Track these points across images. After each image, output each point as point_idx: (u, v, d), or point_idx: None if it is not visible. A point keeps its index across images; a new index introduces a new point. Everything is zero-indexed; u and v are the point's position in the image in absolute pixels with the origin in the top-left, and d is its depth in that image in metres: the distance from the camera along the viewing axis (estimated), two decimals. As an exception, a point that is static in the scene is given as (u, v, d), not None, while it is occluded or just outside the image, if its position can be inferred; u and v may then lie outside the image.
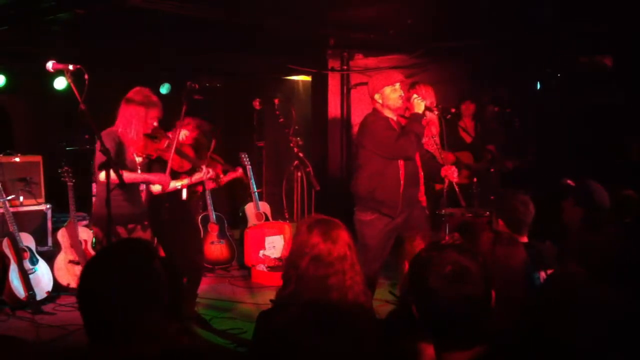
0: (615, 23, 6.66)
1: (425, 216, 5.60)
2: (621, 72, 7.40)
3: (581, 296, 2.11)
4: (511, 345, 2.12)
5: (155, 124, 5.10)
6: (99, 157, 4.60)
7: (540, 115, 8.14)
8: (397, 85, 5.41)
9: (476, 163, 7.44)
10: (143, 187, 5.55)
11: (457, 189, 5.45)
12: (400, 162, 5.37)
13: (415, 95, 5.47)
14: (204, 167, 5.48)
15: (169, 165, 5.12)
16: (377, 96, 5.44)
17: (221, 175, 6.08)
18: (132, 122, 4.99)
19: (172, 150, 5.11)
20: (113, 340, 1.96)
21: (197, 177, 5.46)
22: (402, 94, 5.41)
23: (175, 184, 5.31)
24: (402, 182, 5.36)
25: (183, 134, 5.43)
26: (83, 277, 2.06)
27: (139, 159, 5.11)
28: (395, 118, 5.50)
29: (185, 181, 5.42)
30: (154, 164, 5.29)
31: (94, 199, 7.01)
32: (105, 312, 1.98)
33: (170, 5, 5.92)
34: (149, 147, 5.12)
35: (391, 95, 5.38)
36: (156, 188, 5.38)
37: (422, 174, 5.58)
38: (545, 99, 8.16)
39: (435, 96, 6.11)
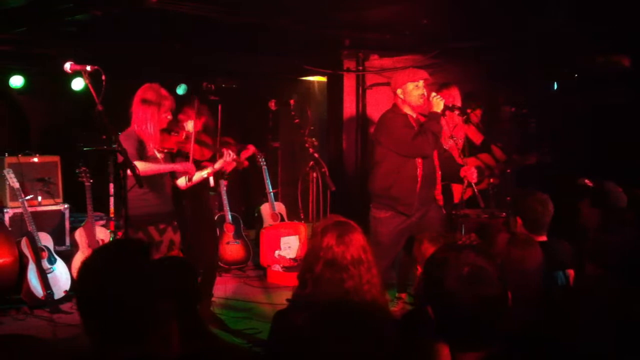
0: (633, 22, 6.61)
1: (441, 216, 5.58)
2: (638, 71, 7.34)
3: (596, 298, 2.11)
4: (525, 346, 2.12)
5: (169, 117, 5.11)
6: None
7: (556, 116, 8.08)
8: (421, 83, 5.37)
9: (497, 164, 7.38)
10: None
11: (476, 190, 5.42)
12: (419, 161, 5.35)
13: (434, 94, 5.43)
14: (224, 151, 5.49)
15: (191, 156, 5.15)
16: (399, 91, 5.41)
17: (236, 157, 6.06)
18: (148, 119, 4.98)
19: (192, 140, 5.15)
20: (115, 341, 1.96)
21: (220, 163, 5.47)
22: (425, 93, 5.37)
23: (200, 174, 5.32)
24: (419, 180, 5.34)
25: (191, 123, 5.48)
26: (77, 280, 2.05)
27: (159, 155, 5.10)
28: (414, 115, 5.47)
29: (210, 169, 5.42)
30: (175, 158, 5.31)
31: (111, 199, 7.07)
32: (99, 313, 1.97)
33: (186, 6, 5.93)
34: (168, 142, 5.14)
35: (413, 92, 5.35)
36: (181, 182, 5.34)
37: (439, 173, 5.56)
38: (562, 99, 8.10)
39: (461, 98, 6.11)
